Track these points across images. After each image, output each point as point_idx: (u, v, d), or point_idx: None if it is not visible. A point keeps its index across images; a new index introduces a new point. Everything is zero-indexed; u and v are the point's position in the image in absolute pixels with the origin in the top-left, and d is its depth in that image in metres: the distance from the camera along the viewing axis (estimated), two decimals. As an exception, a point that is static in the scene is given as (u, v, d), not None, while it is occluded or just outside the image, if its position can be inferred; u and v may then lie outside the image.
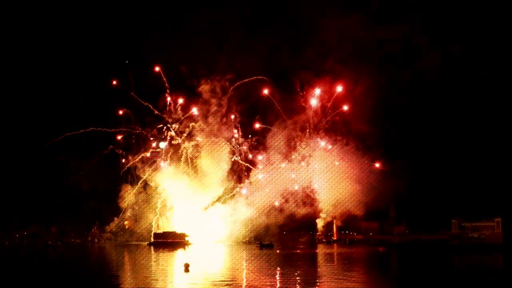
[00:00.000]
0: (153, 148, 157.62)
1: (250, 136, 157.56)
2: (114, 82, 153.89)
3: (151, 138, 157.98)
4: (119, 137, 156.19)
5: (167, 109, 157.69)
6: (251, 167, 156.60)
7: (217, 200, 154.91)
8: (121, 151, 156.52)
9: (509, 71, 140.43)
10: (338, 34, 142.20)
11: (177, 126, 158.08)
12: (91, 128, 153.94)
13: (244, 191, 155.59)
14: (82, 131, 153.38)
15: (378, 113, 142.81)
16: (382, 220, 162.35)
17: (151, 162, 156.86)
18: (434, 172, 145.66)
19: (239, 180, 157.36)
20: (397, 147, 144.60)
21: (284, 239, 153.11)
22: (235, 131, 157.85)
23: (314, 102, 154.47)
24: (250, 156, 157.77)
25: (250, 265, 71.39)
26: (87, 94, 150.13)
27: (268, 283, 46.94)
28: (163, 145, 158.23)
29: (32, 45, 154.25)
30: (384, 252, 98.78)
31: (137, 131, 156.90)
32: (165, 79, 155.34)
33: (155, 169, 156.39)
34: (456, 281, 49.29)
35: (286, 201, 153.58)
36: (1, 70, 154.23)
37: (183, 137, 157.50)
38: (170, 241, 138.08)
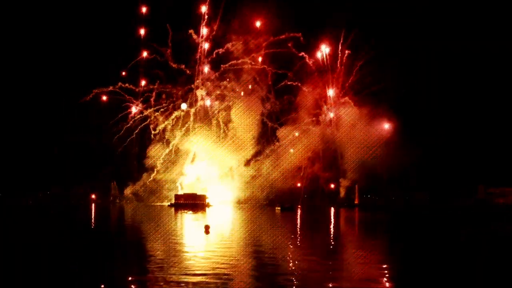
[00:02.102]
0: (180, 109, 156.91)
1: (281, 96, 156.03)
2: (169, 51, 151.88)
3: (177, 100, 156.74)
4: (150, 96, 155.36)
5: (199, 68, 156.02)
6: (279, 127, 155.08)
7: (243, 164, 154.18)
8: (149, 110, 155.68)
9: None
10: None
11: (209, 84, 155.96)
12: (119, 84, 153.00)
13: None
14: (111, 88, 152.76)
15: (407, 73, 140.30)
16: (404, 185, 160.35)
17: (183, 123, 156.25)
18: (459, 136, 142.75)
19: (268, 141, 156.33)
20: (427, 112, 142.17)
21: (305, 202, 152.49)
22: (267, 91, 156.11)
23: (342, 60, 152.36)
24: (280, 117, 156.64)
25: (269, 227, 70.56)
26: (120, 53, 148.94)
27: (286, 245, 45.84)
28: (184, 106, 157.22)
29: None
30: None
31: (167, 90, 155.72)
32: (198, 39, 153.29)
33: (186, 131, 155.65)
34: (477, 248, 47.53)
35: (312, 163, 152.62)
36: (30, 25, 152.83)
37: (212, 97, 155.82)
38: (190, 203, 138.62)
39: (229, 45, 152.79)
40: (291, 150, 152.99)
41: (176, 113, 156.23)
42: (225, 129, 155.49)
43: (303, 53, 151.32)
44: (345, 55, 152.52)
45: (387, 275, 32.21)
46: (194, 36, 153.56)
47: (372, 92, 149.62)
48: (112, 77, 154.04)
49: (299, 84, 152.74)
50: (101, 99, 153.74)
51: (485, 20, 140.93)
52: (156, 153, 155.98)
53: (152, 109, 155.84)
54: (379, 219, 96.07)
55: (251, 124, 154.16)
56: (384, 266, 35.71)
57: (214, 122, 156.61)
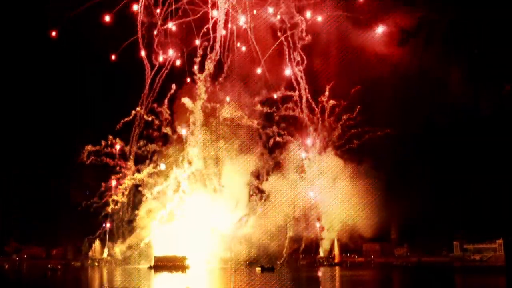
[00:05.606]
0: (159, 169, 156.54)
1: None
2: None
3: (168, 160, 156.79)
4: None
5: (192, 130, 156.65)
6: (263, 190, 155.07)
7: (228, 224, 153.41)
8: (143, 173, 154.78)
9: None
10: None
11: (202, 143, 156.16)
12: (110, 139, 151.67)
13: (260, 209, 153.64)
14: (103, 145, 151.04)
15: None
16: (383, 242, 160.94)
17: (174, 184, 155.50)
18: (436, 192, 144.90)
19: (254, 200, 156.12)
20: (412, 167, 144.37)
21: (285, 261, 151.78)
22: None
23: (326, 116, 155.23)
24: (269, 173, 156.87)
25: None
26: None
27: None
28: (163, 166, 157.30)
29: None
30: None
31: (158, 149, 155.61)
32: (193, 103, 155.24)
33: (178, 193, 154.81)
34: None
35: (297, 222, 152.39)
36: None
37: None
38: (170, 265, 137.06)
39: (224, 105, 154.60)
40: (273, 212, 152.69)
41: (169, 175, 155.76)
42: (217, 190, 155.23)
43: (293, 107, 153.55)
44: (329, 107, 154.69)
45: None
46: (188, 104, 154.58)
47: (355, 148, 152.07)
48: (105, 132, 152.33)
49: (287, 139, 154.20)
50: (92, 159, 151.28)
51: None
52: (146, 215, 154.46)
53: (145, 171, 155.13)
54: (360, 279, 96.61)
55: (242, 185, 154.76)
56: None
57: (207, 184, 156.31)
